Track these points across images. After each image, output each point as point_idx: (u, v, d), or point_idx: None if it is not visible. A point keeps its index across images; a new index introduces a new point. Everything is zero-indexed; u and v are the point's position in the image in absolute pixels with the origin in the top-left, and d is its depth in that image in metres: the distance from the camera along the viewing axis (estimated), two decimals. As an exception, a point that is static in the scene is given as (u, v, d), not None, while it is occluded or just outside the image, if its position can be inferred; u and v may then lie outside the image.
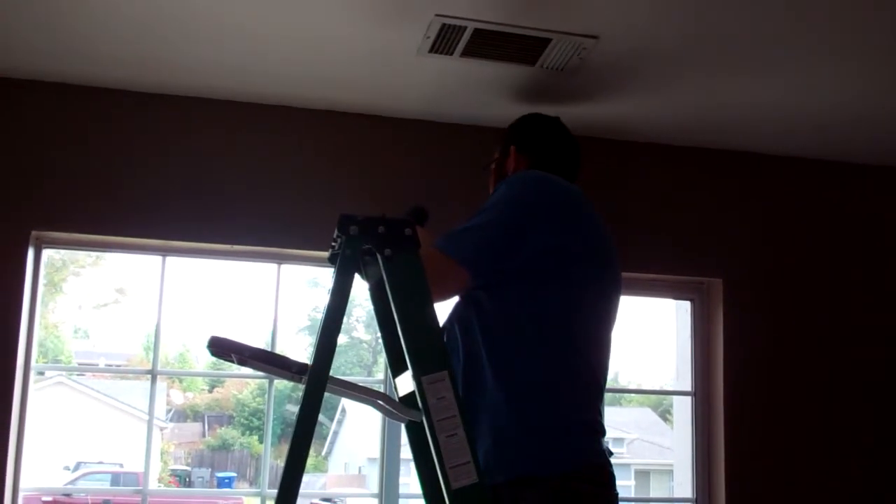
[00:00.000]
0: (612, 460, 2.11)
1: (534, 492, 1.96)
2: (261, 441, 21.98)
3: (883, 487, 3.60)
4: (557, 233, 2.07)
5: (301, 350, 23.50)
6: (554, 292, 2.05)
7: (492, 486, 1.98)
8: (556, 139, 2.45)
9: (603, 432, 2.11)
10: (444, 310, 2.17)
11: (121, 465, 17.27)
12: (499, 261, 2.04)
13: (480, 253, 2.03)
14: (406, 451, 2.30)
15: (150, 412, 3.48)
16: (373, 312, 2.08)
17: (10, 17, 2.67)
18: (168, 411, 23.28)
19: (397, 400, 1.98)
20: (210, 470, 21.77)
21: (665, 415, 22.09)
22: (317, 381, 1.75)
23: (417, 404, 1.78)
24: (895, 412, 3.66)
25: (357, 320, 24.86)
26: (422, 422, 1.77)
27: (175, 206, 3.16)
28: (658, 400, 22.31)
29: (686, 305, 3.71)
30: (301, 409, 1.73)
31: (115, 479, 16.37)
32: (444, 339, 2.11)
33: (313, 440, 1.81)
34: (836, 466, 3.56)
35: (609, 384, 2.20)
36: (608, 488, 2.04)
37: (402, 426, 2.08)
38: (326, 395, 1.82)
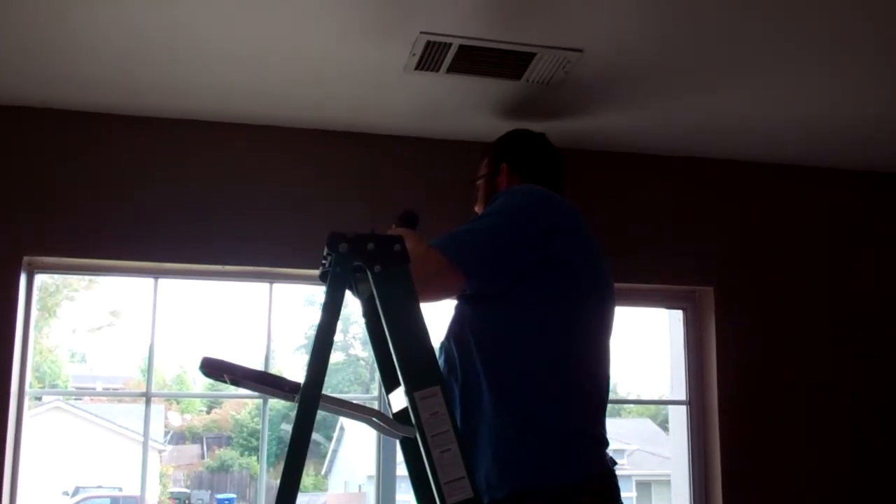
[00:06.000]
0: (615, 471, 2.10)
1: (537, 505, 1.96)
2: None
3: (879, 492, 3.60)
4: (556, 244, 2.07)
5: (298, 369, 23.40)
6: (553, 304, 2.05)
7: (494, 500, 1.98)
8: (546, 156, 2.46)
9: (606, 444, 2.11)
10: (441, 327, 2.18)
11: (120, 489, 17.16)
12: (494, 267, 2.03)
13: (476, 257, 2.03)
14: (403, 468, 2.30)
15: (145, 434, 3.48)
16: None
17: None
18: (166, 433, 23.15)
19: (391, 416, 1.99)
20: (210, 492, 21.62)
21: (664, 425, 22.01)
22: (309, 399, 1.75)
23: (411, 420, 1.78)
24: (889, 418, 3.67)
25: (354, 338, 24.78)
26: (415, 438, 1.78)
27: (165, 228, 3.16)
28: (657, 410, 22.24)
29: (678, 314, 3.73)
30: (294, 428, 1.73)
31: (115, 503, 16.28)
32: (442, 357, 2.12)
33: (313, 459, 1.81)
34: (830, 472, 3.57)
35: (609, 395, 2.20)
36: (612, 500, 2.03)
37: (397, 442, 2.08)
38: (326, 413, 1.82)
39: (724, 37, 2.63)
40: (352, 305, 1.88)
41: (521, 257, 2.04)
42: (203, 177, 3.24)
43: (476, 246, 2.04)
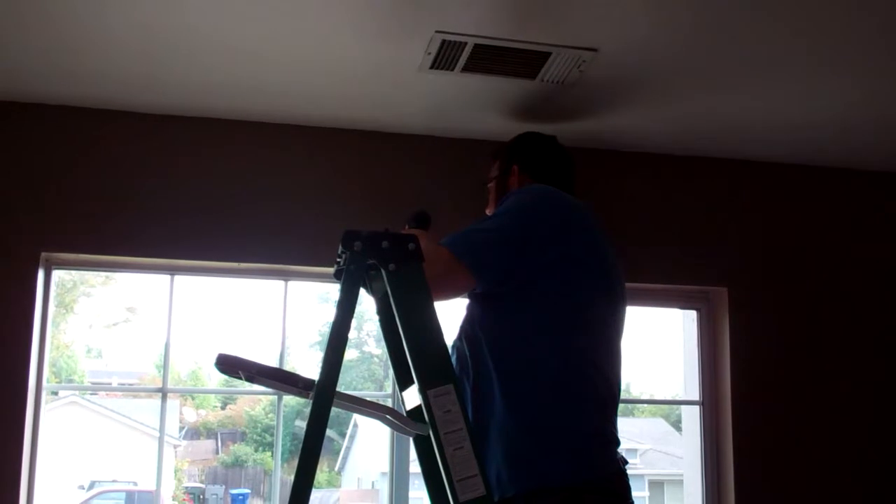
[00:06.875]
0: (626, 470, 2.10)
1: (547, 504, 1.96)
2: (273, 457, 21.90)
3: (894, 492, 3.59)
4: (566, 244, 2.08)
5: (313, 366, 23.48)
6: (564, 303, 2.06)
7: (504, 498, 1.99)
8: (556, 158, 2.48)
9: (617, 443, 2.12)
10: (452, 326, 2.18)
11: (135, 484, 17.29)
12: (503, 267, 2.04)
13: (485, 256, 2.04)
14: (416, 465, 2.32)
15: (161, 430, 3.50)
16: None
17: (15, 42, 2.70)
18: (181, 429, 23.29)
19: (405, 414, 2.00)
20: (224, 487, 21.72)
21: (678, 424, 21.95)
22: (324, 396, 1.77)
23: (424, 418, 1.79)
24: (905, 417, 3.65)
25: (368, 335, 24.86)
26: (429, 435, 1.79)
27: (182, 226, 3.18)
28: (671, 410, 22.21)
29: (692, 315, 3.72)
30: (309, 425, 1.75)
31: (130, 497, 16.42)
32: (454, 356, 2.13)
33: (326, 455, 1.83)
34: (844, 472, 3.55)
35: (621, 394, 2.20)
36: (623, 499, 2.04)
37: (411, 440, 2.09)
38: (340, 410, 1.83)
39: (738, 38, 2.62)
40: (366, 303, 1.90)
41: (530, 257, 2.05)
42: (219, 175, 3.26)
43: (485, 245, 2.05)
